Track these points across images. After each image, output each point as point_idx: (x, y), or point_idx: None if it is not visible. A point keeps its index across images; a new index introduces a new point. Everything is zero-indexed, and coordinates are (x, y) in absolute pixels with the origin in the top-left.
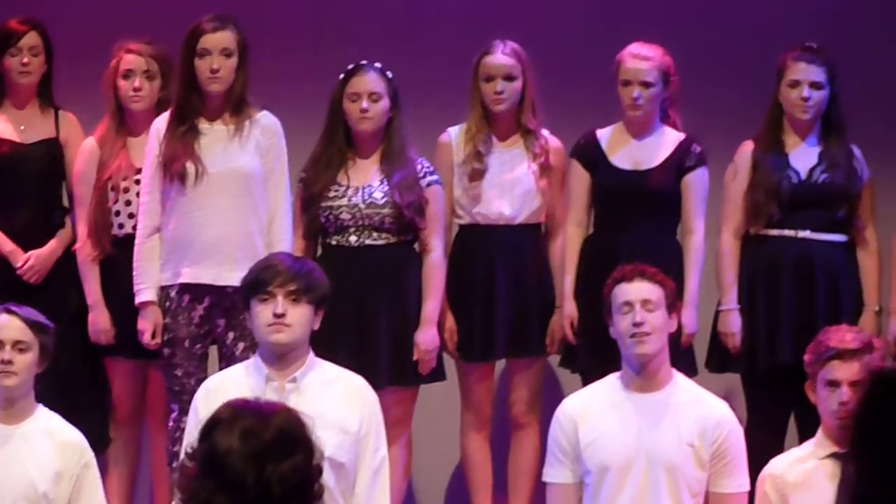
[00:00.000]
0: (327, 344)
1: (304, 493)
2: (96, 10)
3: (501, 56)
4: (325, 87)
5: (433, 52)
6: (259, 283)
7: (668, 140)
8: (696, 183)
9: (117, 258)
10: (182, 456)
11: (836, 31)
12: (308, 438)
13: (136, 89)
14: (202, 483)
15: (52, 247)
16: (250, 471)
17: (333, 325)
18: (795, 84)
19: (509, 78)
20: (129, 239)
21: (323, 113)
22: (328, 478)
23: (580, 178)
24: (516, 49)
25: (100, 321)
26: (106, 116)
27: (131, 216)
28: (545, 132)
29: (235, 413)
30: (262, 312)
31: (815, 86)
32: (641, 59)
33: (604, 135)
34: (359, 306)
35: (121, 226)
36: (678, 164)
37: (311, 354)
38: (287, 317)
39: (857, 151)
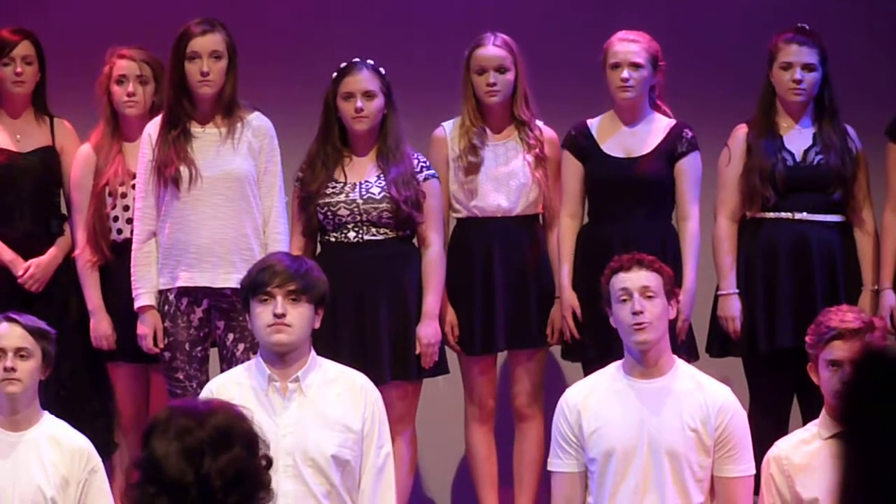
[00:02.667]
0: (329, 341)
1: (246, 484)
2: (87, 18)
3: (493, 48)
4: (317, 89)
5: (424, 48)
6: (258, 283)
7: (658, 126)
8: (688, 168)
9: (116, 264)
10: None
11: (825, 13)
12: (249, 431)
13: (129, 94)
14: (144, 489)
15: (52, 255)
16: (188, 469)
17: (334, 322)
18: (788, 66)
19: (501, 70)
20: (128, 244)
21: (315, 114)
22: (334, 475)
23: (573, 169)
24: (507, 41)
25: (101, 327)
26: (100, 123)
27: (129, 221)
28: (539, 123)
29: (171, 415)
30: (262, 313)
31: (807, 68)
32: (630, 41)
33: (594, 124)
34: (359, 302)
35: (119, 231)
36: (670, 150)
37: (313, 353)
38: (287, 317)
39: (851, 131)
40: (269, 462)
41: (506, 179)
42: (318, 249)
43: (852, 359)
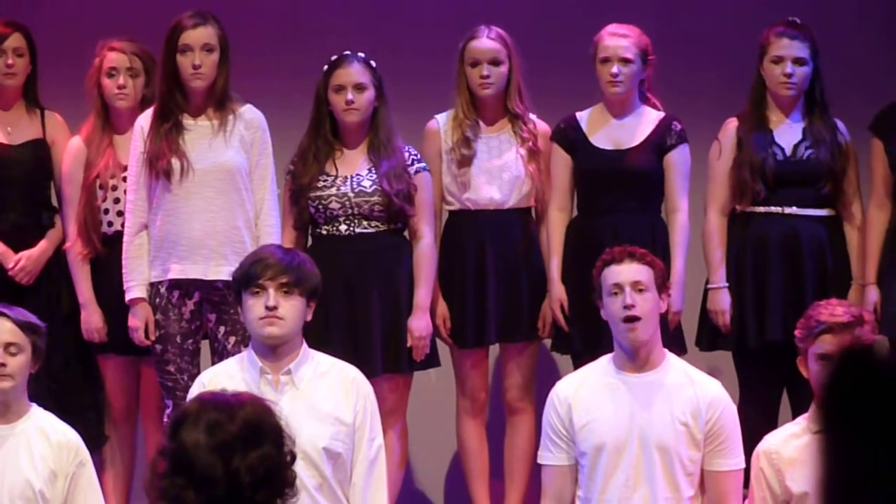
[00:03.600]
0: (320, 333)
1: (274, 481)
2: (78, 10)
3: (487, 41)
4: (308, 82)
5: (416, 41)
6: (250, 276)
7: (647, 119)
8: (678, 161)
9: (107, 256)
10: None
11: (815, 7)
12: (277, 427)
13: (120, 87)
14: (172, 480)
15: (43, 247)
16: (218, 464)
17: (326, 315)
18: (779, 60)
19: (495, 62)
20: (119, 237)
21: (306, 107)
22: (325, 468)
23: (562, 162)
24: (501, 34)
25: (92, 320)
26: (91, 115)
27: (120, 214)
28: (532, 116)
29: (201, 407)
30: (255, 306)
31: (798, 62)
32: (620, 36)
33: (583, 116)
34: (350, 295)
35: (110, 224)
36: (659, 142)
37: (305, 346)
38: (279, 309)
39: (841, 126)
40: (294, 458)
41: (498, 172)
42: (310, 242)
43: (836, 353)
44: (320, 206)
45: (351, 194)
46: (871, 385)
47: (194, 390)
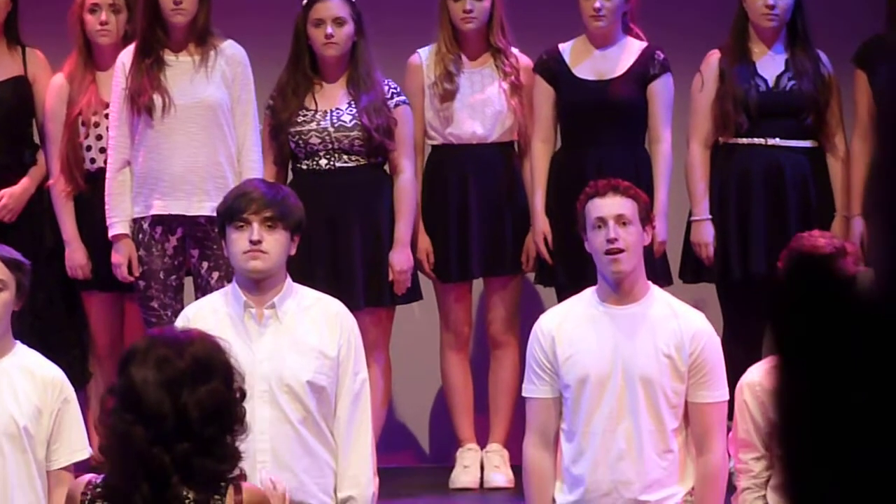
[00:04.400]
0: (303, 267)
1: (223, 417)
2: None
3: None
4: (289, 19)
5: None
6: (234, 210)
7: (630, 49)
8: (661, 90)
9: (90, 193)
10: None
11: None
12: (226, 363)
13: (102, 23)
14: (121, 416)
15: (25, 185)
16: (166, 399)
17: (308, 249)
18: None
19: None
20: (102, 173)
21: (287, 44)
22: (309, 402)
23: (545, 94)
24: None
25: (76, 256)
26: (73, 52)
27: (103, 150)
28: (515, 51)
29: (150, 344)
30: (239, 240)
31: None
32: None
33: (566, 48)
34: (332, 229)
35: (92, 160)
36: (642, 72)
37: (289, 280)
38: (263, 243)
39: (823, 57)
40: (244, 395)
41: (481, 107)
42: (291, 177)
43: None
44: (300, 141)
45: (331, 129)
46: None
47: (178, 324)
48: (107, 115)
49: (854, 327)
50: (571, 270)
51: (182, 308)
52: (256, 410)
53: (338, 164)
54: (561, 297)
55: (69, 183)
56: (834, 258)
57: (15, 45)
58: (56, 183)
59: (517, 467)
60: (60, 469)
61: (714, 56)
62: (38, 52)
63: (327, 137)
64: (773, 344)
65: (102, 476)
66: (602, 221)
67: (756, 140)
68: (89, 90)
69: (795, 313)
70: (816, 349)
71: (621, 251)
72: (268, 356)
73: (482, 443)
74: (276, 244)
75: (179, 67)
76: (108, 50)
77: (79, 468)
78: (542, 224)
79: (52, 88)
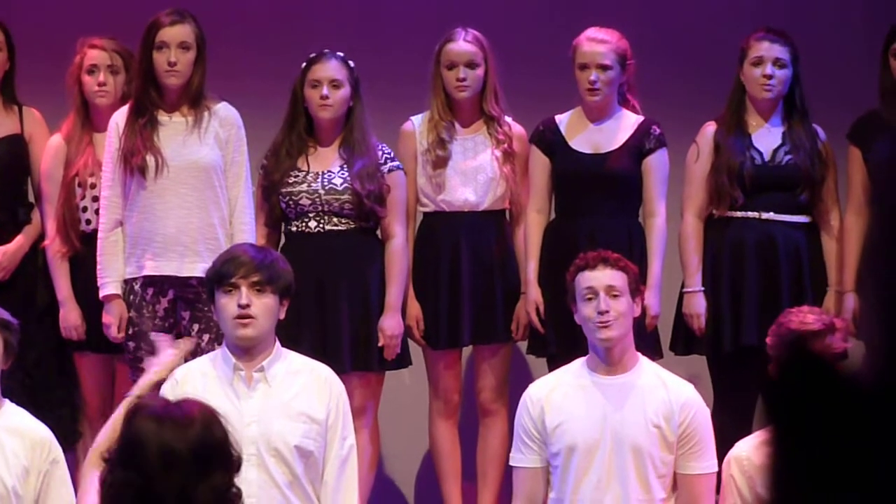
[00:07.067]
0: (289, 329)
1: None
2: (57, 7)
3: (463, 43)
4: (285, 82)
5: (393, 42)
6: (223, 274)
7: (626, 123)
8: (656, 165)
9: (85, 254)
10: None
11: (796, 14)
12: (224, 440)
13: (100, 84)
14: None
15: (20, 243)
16: (173, 490)
17: (295, 311)
18: (759, 62)
19: (471, 65)
20: (97, 234)
21: (283, 107)
22: (297, 466)
23: (540, 164)
24: (478, 36)
25: (71, 317)
26: (71, 113)
27: (99, 212)
28: (508, 119)
29: (157, 427)
30: (227, 304)
31: (778, 63)
32: (598, 42)
33: (563, 120)
34: (320, 292)
35: (88, 221)
36: (638, 146)
37: (278, 344)
38: (252, 308)
39: (821, 132)
40: (240, 463)
41: (473, 174)
42: (283, 240)
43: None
44: (290, 202)
45: (321, 191)
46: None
47: (167, 387)
48: (102, 176)
49: (847, 405)
50: (563, 340)
51: None
52: (244, 473)
53: (327, 227)
54: (552, 367)
55: (65, 243)
56: (823, 335)
57: (12, 103)
58: (52, 244)
59: None
60: None
61: (710, 127)
62: (35, 111)
63: (317, 199)
64: (767, 420)
65: None
66: (593, 292)
67: (750, 213)
68: (86, 151)
69: (789, 392)
70: (810, 427)
71: (611, 320)
72: (256, 419)
73: None
74: (264, 308)
75: (173, 128)
76: (105, 111)
77: None
78: (535, 294)
79: (50, 149)
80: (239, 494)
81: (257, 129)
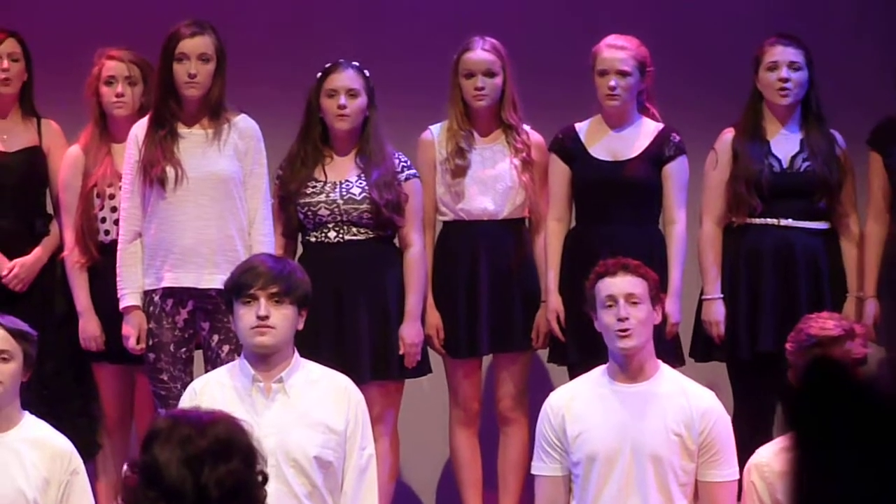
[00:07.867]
0: (308, 339)
1: (242, 498)
2: (74, 19)
3: (481, 52)
4: (301, 91)
5: (410, 51)
6: (241, 285)
7: (646, 130)
8: (676, 172)
9: (103, 265)
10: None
11: (812, 20)
12: (248, 445)
13: (118, 95)
14: (144, 493)
15: (38, 254)
16: (187, 477)
17: (314, 322)
18: (774, 66)
19: (490, 74)
20: (115, 245)
21: (298, 117)
22: (316, 476)
23: (560, 172)
24: (496, 45)
25: (89, 328)
26: (89, 124)
27: (117, 222)
28: (527, 127)
29: (173, 423)
30: (246, 315)
31: (793, 66)
32: (618, 48)
33: (582, 128)
34: (339, 301)
35: (106, 232)
36: (657, 153)
37: (296, 355)
38: (270, 318)
39: (839, 137)
40: (265, 478)
41: (492, 183)
42: (300, 250)
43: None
44: (309, 213)
45: (340, 201)
46: (836, 397)
47: (185, 398)
48: (122, 187)
49: (867, 411)
50: (584, 348)
51: (192, 381)
52: None
53: (346, 237)
54: (573, 376)
55: (83, 254)
56: (843, 340)
57: (30, 115)
58: (70, 254)
59: None
60: None
61: (728, 134)
62: (53, 122)
63: (336, 209)
64: (788, 427)
65: None
66: (612, 300)
67: (769, 220)
68: (104, 162)
69: (809, 399)
70: (830, 433)
71: (631, 328)
72: (275, 430)
73: None
74: (283, 319)
75: (192, 140)
76: (123, 122)
77: None
78: (555, 302)
79: (68, 159)
80: (264, 495)
81: (269, 138)
